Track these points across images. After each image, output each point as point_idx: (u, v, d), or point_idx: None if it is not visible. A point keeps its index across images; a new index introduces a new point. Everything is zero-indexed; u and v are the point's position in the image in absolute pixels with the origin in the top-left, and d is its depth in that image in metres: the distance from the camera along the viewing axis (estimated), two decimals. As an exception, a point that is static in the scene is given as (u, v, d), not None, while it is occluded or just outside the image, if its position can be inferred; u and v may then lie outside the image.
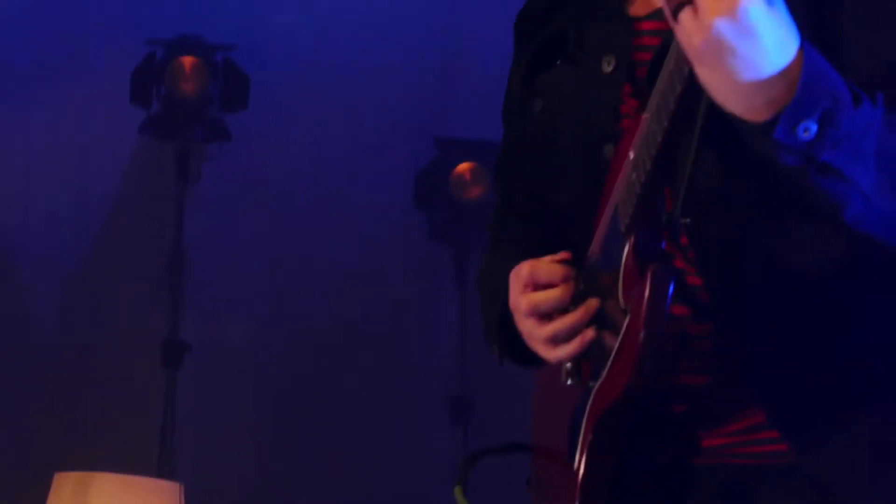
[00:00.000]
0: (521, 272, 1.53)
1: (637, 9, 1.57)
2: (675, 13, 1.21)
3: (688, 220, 1.40)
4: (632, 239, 1.41)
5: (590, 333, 1.46)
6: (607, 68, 1.55)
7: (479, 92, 4.74)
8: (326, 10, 4.64)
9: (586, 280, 1.51)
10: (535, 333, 1.51)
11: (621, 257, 1.43)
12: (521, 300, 1.52)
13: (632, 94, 1.53)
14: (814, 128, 1.23)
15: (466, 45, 4.76)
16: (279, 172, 4.59)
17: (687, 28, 1.20)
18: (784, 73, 1.21)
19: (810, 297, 1.44)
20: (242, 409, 4.50)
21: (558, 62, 1.64)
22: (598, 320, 1.46)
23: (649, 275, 1.36)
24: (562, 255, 1.54)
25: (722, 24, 1.17)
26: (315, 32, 4.65)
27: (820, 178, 1.27)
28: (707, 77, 1.23)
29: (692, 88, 1.28)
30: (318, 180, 4.61)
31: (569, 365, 1.53)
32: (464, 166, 4.65)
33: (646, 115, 1.41)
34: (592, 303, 1.47)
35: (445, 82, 4.78)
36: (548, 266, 1.52)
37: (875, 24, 1.36)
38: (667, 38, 1.42)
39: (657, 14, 1.51)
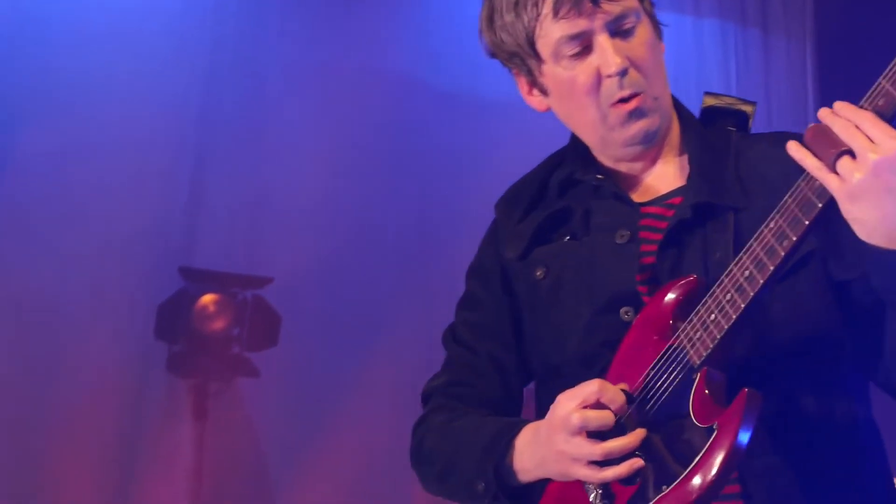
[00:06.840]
0: (587, 388, 1.65)
1: (638, 196, 1.82)
2: (834, 161, 1.47)
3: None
4: (704, 371, 1.60)
5: (639, 462, 1.62)
6: (621, 240, 1.77)
7: (226, 226, 4.80)
8: (73, 139, 4.59)
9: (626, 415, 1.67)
10: (583, 451, 1.63)
11: (687, 391, 1.61)
12: (573, 416, 1.63)
13: (637, 269, 1.75)
14: None
15: (214, 176, 4.81)
16: (16, 303, 4.46)
17: (847, 169, 1.47)
18: None
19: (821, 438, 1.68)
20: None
21: (565, 237, 1.84)
22: (643, 449, 1.63)
23: (745, 395, 1.54)
24: (622, 385, 1.68)
25: (882, 162, 1.45)
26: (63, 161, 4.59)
27: None
28: (859, 212, 1.48)
29: (795, 249, 1.53)
30: (62, 304, 4.49)
31: (599, 490, 1.67)
32: (207, 298, 4.60)
33: (694, 277, 1.66)
34: (640, 432, 1.64)
35: (192, 214, 4.77)
36: (615, 389, 1.66)
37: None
38: (680, 211, 1.71)
39: (657, 201, 1.81)
